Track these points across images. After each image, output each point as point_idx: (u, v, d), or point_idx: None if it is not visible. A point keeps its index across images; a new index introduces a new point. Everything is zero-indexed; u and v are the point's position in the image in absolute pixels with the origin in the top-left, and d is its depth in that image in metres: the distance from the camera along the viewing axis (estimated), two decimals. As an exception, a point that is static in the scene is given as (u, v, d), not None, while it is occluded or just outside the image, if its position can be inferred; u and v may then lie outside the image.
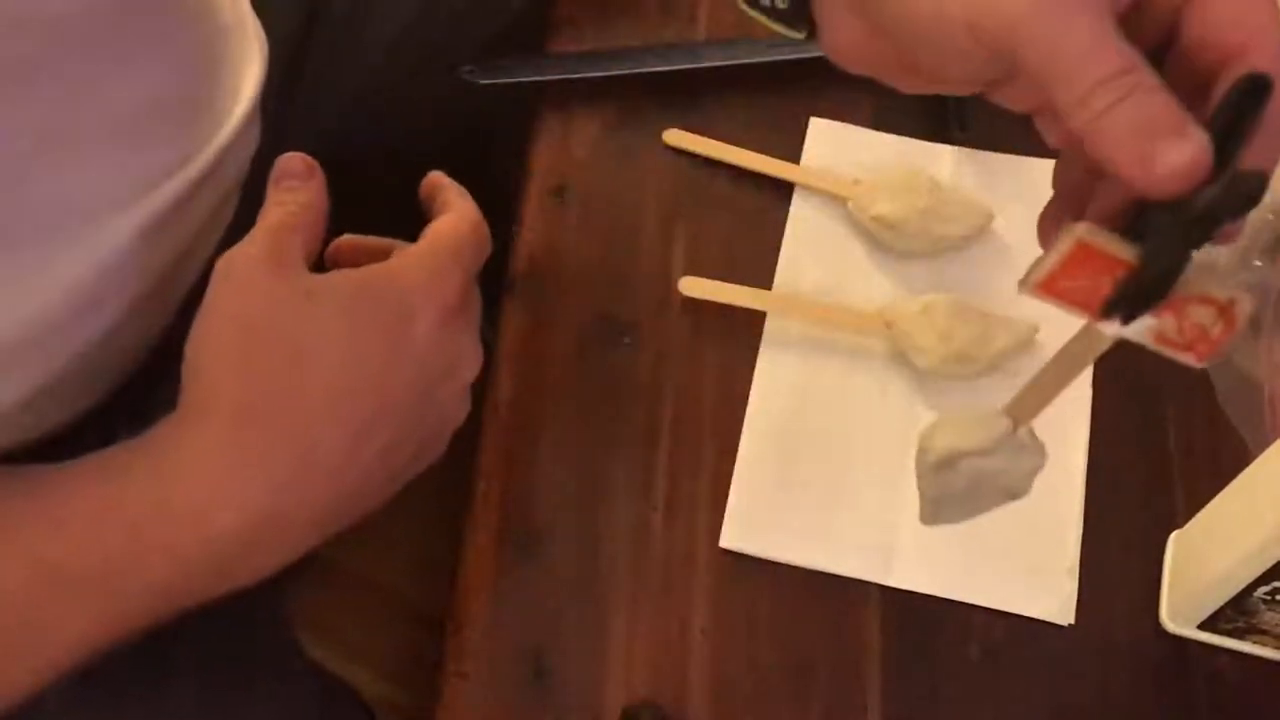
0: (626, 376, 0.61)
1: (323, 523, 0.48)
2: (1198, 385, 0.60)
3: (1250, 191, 0.35)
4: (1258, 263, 0.60)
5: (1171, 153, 0.35)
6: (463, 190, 0.55)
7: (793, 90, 0.69)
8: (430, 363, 0.49)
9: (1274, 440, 0.49)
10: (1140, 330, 0.38)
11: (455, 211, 0.53)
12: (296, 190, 0.50)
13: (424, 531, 0.93)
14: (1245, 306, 0.37)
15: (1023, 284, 0.38)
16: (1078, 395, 0.60)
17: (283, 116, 0.69)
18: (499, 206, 0.59)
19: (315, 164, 0.51)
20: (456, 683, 0.54)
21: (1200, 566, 0.53)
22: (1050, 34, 0.37)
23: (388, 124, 0.75)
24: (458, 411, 0.52)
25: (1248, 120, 0.36)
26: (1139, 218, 0.37)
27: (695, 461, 0.59)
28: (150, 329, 0.57)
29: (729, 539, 0.57)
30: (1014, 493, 0.44)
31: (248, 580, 0.47)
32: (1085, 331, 0.39)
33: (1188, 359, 0.39)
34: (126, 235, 0.51)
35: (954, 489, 0.43)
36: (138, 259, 0.52)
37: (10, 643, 0.44)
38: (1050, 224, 0.42)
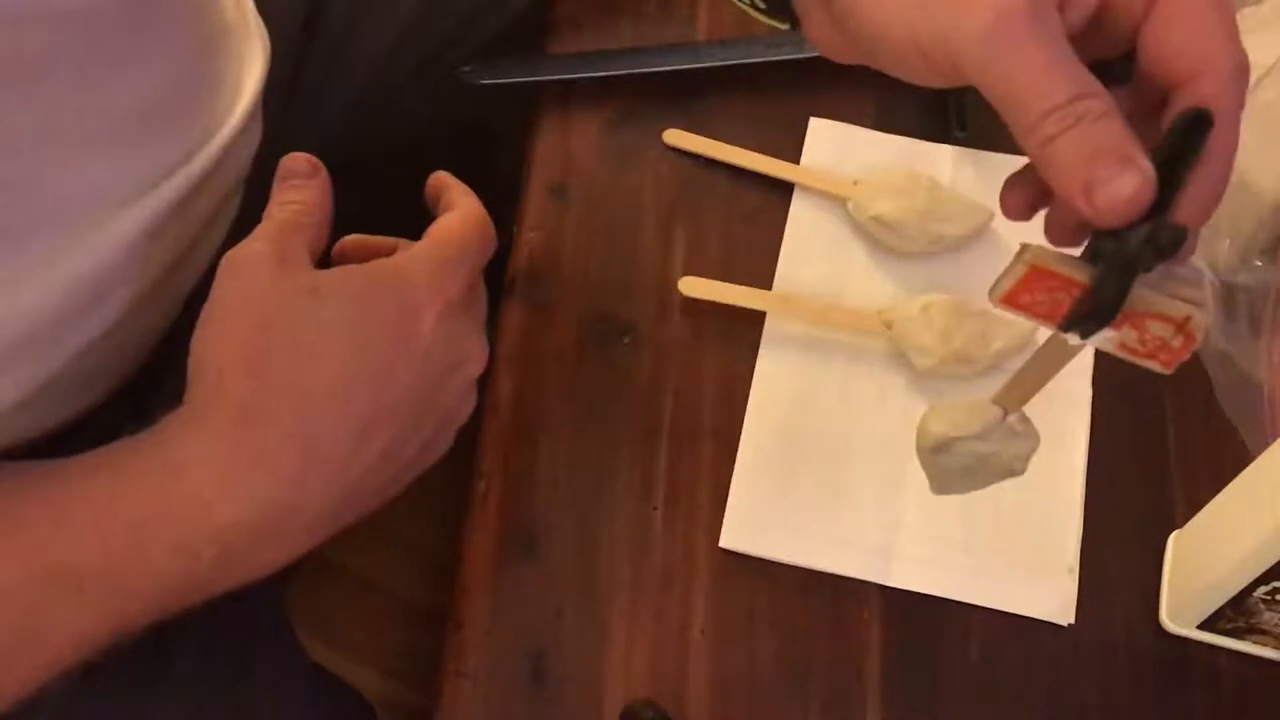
0: (626, 376, 0.61)
1: (327, 518, 0.48)
2: (1197, 385, 0.60)
3: (1166, 243, 0.36)
4: (1258, 263, 0.60)
5: (1113, 184, 0.36)
6: (467, 189, 0.55)
7: (793, 90, 0.69)
8: (435, 358, 0.49)
9: (1274, 440, 0.49)
10: (1104, 340, 0.39)
11: (461, 208, 0.53)
12: (301, 189, 0.51)
13: (425, 531, 0.93)
14: (1200, 321, 0.38)
15: (991, 294, 0.39)
16: (1078, 395, 0.61)
17: (284, 115, 0.69)
18: (499, 206, 0.59)
19: (319, 163, 0.52)
20: (456, 682, 0.54)
21: (1200, 566, 0.53)
22: (998, 65, 0.37)
23: (388, 124, 0.75)
24: (463, 407, 0.52)
25: (1191, 153, 0.37)
26: (1094, 239, 0.38)
27: (695, 461, 0.59)
28: (153, 326, 0.57)
29: (729, 539, 0.57)
30: (1011, 471, 0.46)
31: (251, 576, 0.47)
32: (1058, 335, 0.40)
33: (1154, 366, 0.40)
34: (129, 233, 0.51)
35: (952, 469, 0.46)
36: (140, 256, 0.52)
37: (13, 640, 0.43)
38: (1013, 190, 0.42)
